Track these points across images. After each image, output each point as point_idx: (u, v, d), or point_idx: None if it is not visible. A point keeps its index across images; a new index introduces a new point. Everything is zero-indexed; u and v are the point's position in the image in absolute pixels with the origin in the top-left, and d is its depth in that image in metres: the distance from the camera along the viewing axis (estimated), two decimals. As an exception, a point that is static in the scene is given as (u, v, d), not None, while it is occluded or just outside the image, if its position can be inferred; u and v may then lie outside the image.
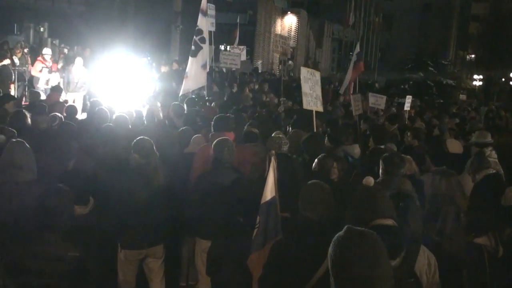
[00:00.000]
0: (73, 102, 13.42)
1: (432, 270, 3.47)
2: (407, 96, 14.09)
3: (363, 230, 2.36)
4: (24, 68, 15.45)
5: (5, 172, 4.12)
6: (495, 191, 5.45)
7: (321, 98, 8.40)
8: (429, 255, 3.48)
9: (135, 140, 5.22)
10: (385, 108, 15.89)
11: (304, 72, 8.20)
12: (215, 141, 5.39)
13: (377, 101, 13.24)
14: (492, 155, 7.21)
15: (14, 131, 5.74)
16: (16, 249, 3.34)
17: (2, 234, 3.66)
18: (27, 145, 4.29)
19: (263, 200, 4.11)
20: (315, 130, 7.93)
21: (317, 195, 3.73)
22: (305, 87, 8.03)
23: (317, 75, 8.46)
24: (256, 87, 17.68)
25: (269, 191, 4.12)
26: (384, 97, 13.91)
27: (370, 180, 4.59)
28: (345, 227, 2.38)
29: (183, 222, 5.46)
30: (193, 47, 11.09)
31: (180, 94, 11.11)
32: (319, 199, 3.71)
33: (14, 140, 4.38)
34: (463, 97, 36.52)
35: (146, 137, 5.28)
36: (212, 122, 6.52)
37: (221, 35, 15.65)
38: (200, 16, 11.14)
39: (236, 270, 4.25)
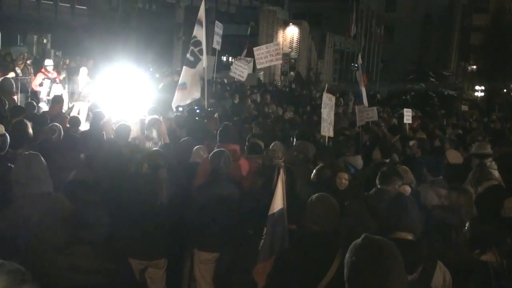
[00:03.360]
0: (78, 112, 13.47)
1: (447, 287, 3.47)
2: (405, 109, 14.04)
3: (380, 239, 2.37)
4: (26, 78, 15.51)
5: (25, 185, 4.03)
6: (497, 202, 5.44)
7: (333, 123, 8.43)
8: (445, 272, 3.49)
9: (148, 151, 5.34)
10: (387, 119, 15.90)
11: (325, 98, 8.22)
12: (212, 153, 5.44)
13: (368, 114, 12.96)
14: (492, 166, 7.21)
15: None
16: (49, 263, 3.26)
17: (31, 247, 3.61)
18: (41, 157, 4.23)
19: (271, 211, 4.14)
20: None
21: (322, 208, 3.73)
22: (324, 113, 8.06)
23: (333, 100, 8.49)
24: (258, 98, 17.73)
25: (278, 202, 4.15)
26: (374, 108, 13.79)
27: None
28: (363, 235, 2.39)
29: (184, 233, 5.47)
30: (191, 57, 10.78)
31: (174, 105, 10.82)
32: (324, 212, 3.72)
33: (27, 152, 4.33)
34: (465, 108, 36.51)
35: (159, 149, 5.38)
36: (218, 134, 6.55)
37: (223, 46, 15.67)
38: (196, 26, 10.87)
39: (242, 281, 4.26)
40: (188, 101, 11.07)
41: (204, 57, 10.85)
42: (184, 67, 10.90)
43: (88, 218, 3.36)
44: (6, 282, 2.11)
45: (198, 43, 10.80)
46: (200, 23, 10.92)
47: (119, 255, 3.61)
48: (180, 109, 11.05)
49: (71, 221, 3.40)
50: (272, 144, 6.63)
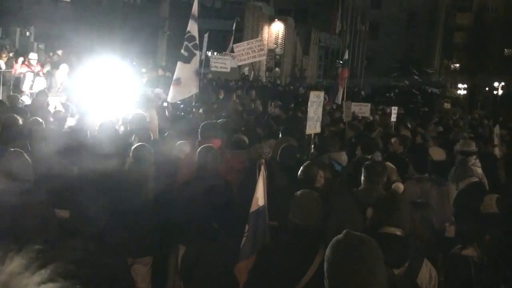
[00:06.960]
0: (55, 107, 13.32)
1: (432, 284, 3.52)
2: (393, 107, 14.18)
3: (361, 236, 2.37)
4: (10, 71, 15.32)
5: (1, 182, 3.96)
6: (477, 199, 5.51)
7: (320, 118, 8.43)
8: (431, 268, 3.54)
9: (134, 146, 5.29)
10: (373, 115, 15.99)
11: (312, 96, 8.19)
12: (200, 148, 5.40)
13: (361, 109, 13.24)
14: (476, 163, 7.29)
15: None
16: None
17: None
18: (25, 155, 4.17)
19: (252, 209, 4.12)
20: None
21: (307, 204, 3.76)
22: (310, 111, 8.04)
23: (321, 95, 8.46)
24: (241, 93, 17.72)
25: (258, 199, 4.14)
26: (368, 105, 13.96)
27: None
28: (344, 231, 2.38)
29: (169, 229, 5.45)
30: (186, 53, 10.67)
31: (170, 101, 10.84)
32: (309, 208, 3.74)
33: (12, 149, 4.27)
34: (447, 105, 36.90)
35: (146, 144, 5.33)
36: (199, 129, 6.49)
37: (209, 41, 15.62)
38: (191, 21, 10.82)
39: (209, 276, 4.25)
40: (185, 96, 11.07)
41: (198, 51, 10.85)
42: (178, 62, 10.78)
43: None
44: None
45: (192, 38, 10.73)
46: (194, 18, 10.87)
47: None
48: (165, 104, 11.01)
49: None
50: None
